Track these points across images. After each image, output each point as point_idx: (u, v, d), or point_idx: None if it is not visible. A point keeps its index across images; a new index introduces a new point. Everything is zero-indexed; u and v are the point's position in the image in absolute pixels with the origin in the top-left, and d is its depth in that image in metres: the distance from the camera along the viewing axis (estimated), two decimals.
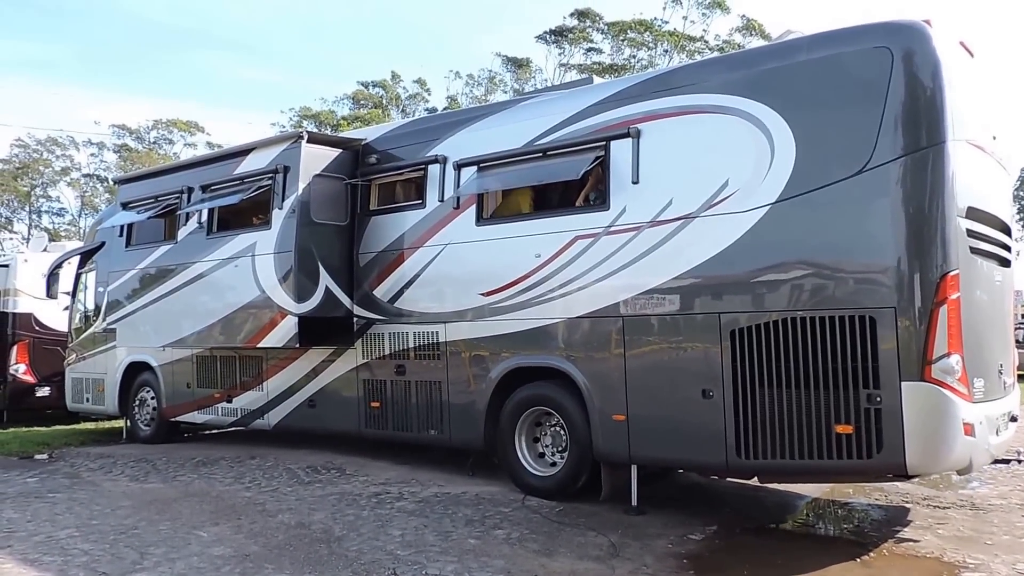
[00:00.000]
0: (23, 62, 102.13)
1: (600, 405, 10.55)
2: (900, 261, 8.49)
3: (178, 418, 16.94)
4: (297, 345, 13.46)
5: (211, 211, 15.14)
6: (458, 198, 12.24)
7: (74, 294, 19.14)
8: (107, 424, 20.44)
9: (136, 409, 17.69)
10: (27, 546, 9.18)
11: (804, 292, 8.99)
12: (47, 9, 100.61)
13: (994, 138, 9.97)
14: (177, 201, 15.82)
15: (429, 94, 66.06)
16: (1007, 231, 10.10)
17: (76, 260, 19.22)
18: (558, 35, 59.64)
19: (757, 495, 11.65)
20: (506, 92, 60.98)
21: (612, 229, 10.48)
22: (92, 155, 70.11)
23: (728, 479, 11.25)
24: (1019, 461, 10.16)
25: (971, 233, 8.87)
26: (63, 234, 61.57)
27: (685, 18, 58.16)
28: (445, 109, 56.44)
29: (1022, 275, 17.23)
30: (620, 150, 10.60)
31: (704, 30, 57.92)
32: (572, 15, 59.26)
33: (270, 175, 13.80)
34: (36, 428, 20.60)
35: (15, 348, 21.60)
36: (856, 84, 8.96)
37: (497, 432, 11.77)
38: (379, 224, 13.43)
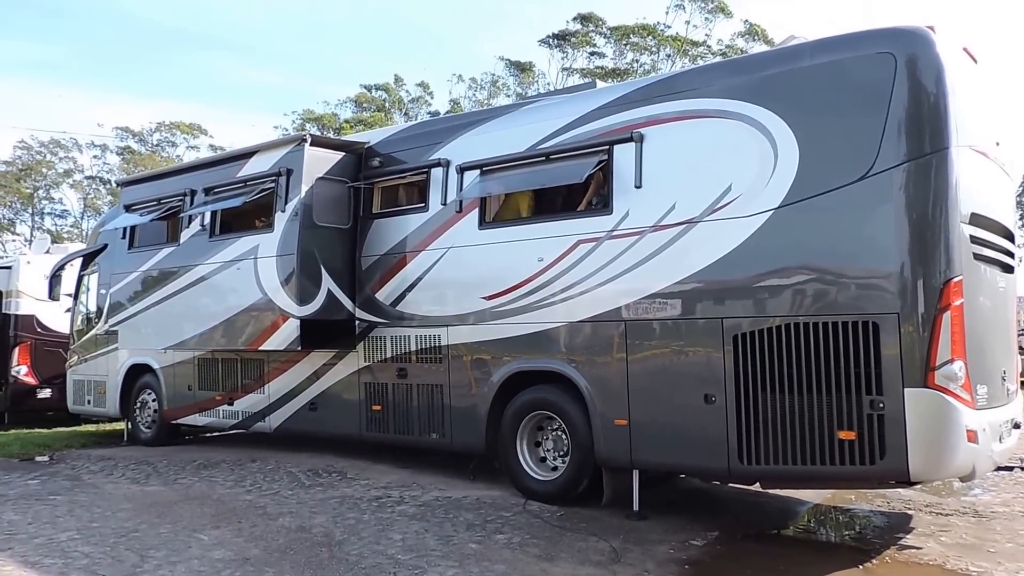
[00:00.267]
0: (26, 64, 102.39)
1: (602, 409, 10.52)
2: (903, 267, 8.47)
3: (179, 420, 16.93)
4: (299, 348, 13.45)
5: (214, 214, 15.14)
6: (461, 202, 12.23)
7: (76, 296, 19.14)
8: (108, 426, 20.42)
9: (137, 411, 17.67)
10: (28, 548, 9.17)
11: (807, 297, 8.98)
12: (50, 11, 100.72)
13: (997, 144, 9.95)
14: (180, 204, 15.83)
15: (432, 97, 66.24)
16: (1010, 237, 10.09)
17: (78, 262, 19.21)
18: (561, 39, 59.69)
19: (758, 501, 11.62)
20: (509, 96, 61.04)
21: (615, 233, 10.47)
22: (95, 157, 70.19)
23: (730, 484, 11.25)
24: (1022, 468, 10.15)
25: (974, 239, 8.85)
26: (65, 236, 61.58)
27: (688, 22, 58.25)
28: (448, 112, 56.41)
29: None
30: (623, 154, 10.59)
31: (707, 35, 58.02)
32: (575, 19, 59.37)
33: (273, 178, 13.79)
34: (37, 430, 20.58)
35: (17, 350, 21.60)
36: (859, 89, 8.94)
37: (499, 436, 11.74)
38: (381, 227, 13.42)
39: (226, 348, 15.02)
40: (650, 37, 57.18)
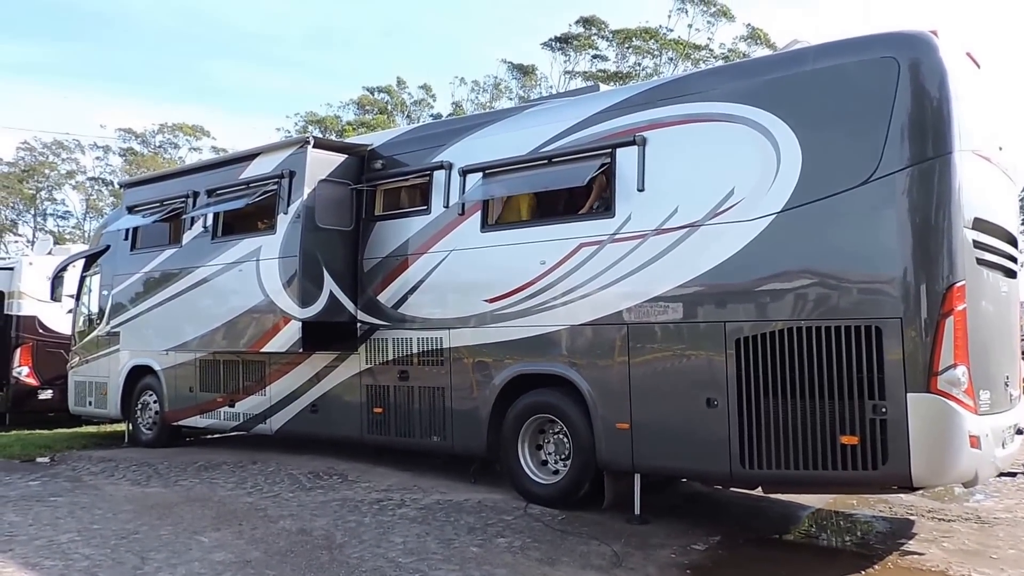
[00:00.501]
0: (28, 65, 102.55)
1: (604, 413, 10.51)
2: (906, 272, 8.46)
3: (180, 422, 16.91)
4: (301, 350, 13.45)
5: (216, 215, 15.17)
6: (463, 204, 12.22)
7: (78, 297, 19.14)
8: (109, 428, 20.36)
9: (138, 413, 17.65)
10: (28, 550, 9.15)
11: (809, 302, 8.96)
12: (52, 14, 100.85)
13: (1000, 149, 9.94)
14: (182, 205, 15.86)
15: (434, 100, 66.28)
16: (1013, 242, 10.07)
17: (80, 263, 19.21)
18: (563, 42, 59.71)
19: (760, 505, 11.62)
20: (511, 99, 61.04)
21: (617, 237, 10.46)
22: (98, 159, 70.34)
23: (731, 489, 11.23)
24: None
25: (977, 244, 8.84)
26: (67, 237, 61.72)
27: (690, 26, 58.30)
28: (450, 115, 56.46)
29: None
30: (626, 158, 10.59)
31: (709, 38, 58.11)
32: (577, 22, 59.39)
33: (275, 180, 13.78)
34: (38, 431, 20.53)
35: (18, 351, 21.59)
36: (862, 94, 8.95)
37: (500, 439, 11.73)
38: (384, 230, 13.42)
39: (228, 350, 15.02)
40: (652, 41, 57.19)
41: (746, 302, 9.38)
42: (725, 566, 8.97)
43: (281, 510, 10.99)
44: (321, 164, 13.51)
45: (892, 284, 8.50)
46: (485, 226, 12.05)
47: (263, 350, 13.94)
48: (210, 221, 15.28)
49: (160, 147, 69.70)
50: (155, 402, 17.23)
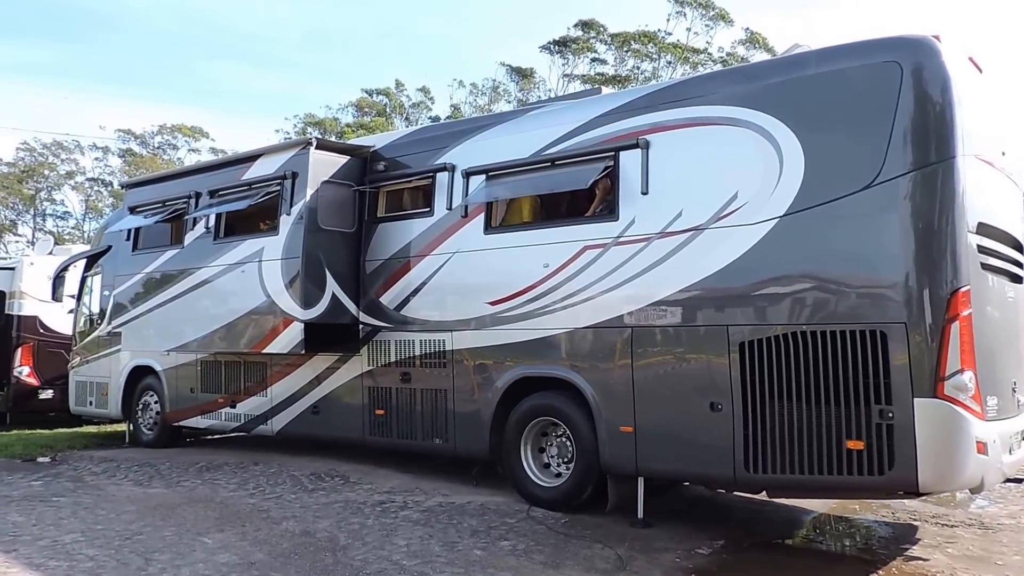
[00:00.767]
0: (28, 66, 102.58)
1: (607, 416, 10.49)
2: (910, 276, 8.44)
3: (181, 423, 16.90)
4: (303, 351, 13.46)
5: (218, 216, 15.19)
6: (466, 207, 12.22)
7: (79, 297, 19.14)
8: (109, 428, 20.37)
9: (139, 413, 17.64)
10: (32, 550, 9.14)
11: (814, 306, 8.94)
12: (51, 14, 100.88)
13: (1003, 154, 9.92)
14: (185, 206, 15.86)
15: (433, 103, 66.09)
16: (1018, 247, 10.05)
17: (81, 263, 19.20)
18: (562, 45, 59.63)
19: (762, 509, 11.61)
20: (510, 102, 60.99)
21: (621, 240, 10.46)
22: (97, 159, 70.11)
23: (734, 493, 11.22)
24: None
25: (982, 249, 8.82)
26: (67, 238, 61.62)
27: (689, 30, 58.17)
28: (448, 118, 56.44)
29: None
30: (629, 161, 10.59)
31: (708, 42, 57.91)
32: (576, 26, 59.33)
33: (278, 181, 13.80)
34: (39, 430, 20.56)
35: (19, 350, 21.62)
36: (865, 98, 8.95)
37: (503, 442, 11.71)
38: (386, 231, 13.43)
39: (229, 351, 15.01)
40: (651, 44, 57.15)
41: (750, 306, 9.38)
42: (730, 570, 8.95)
43: (284, 511, 10.97)
44: (324, 165, 13.51)
45: (896, 289, 8.48)
46: (488, 228, 12.03)
47: (265, 351, 13.94)
48: (212, 222, 15.30)
49: (159, 148, 69.57)
50: (156, 402, 17.23)
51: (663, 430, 10.04)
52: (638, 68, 57.47)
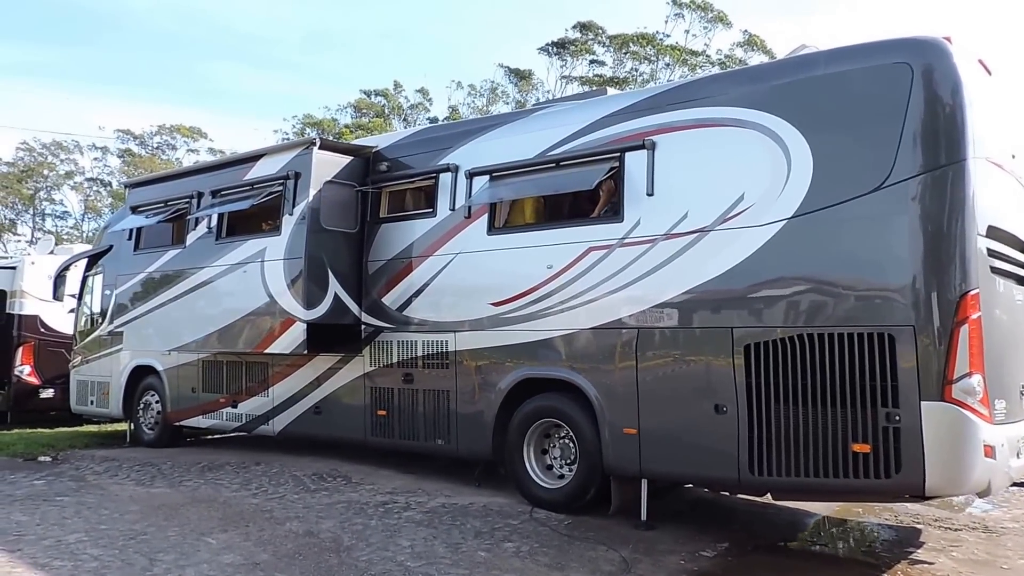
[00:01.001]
0: (26, 66, 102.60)
1: (611, 418, 10.47)
2: (920, 279, 8.39)
3: (182, 422, 16.88)
4: (305, 352, 13.46)
5: (220, 216, 15.19)
6: (469, 207, 12.21)
7: (80, 297, 19.14)
8: (110, 427, 20.36)
9: (140, 413, 17.62)
10: (36, 550, 9.13)
11: (821, 308, 8.91)
12: (51, 14, 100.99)
13: (1013, 157, 9.90)
14: (187, 206, 15.87)
15: (431, 104, 66.08)
16: None
17: (83, 263, 19.19)
18: (560, 47, 59.61)
19: (765, 512, 11.59)
20: (508, 103, 61.01)
21: (626, 241, 10.44)
22: (96, 159, 70.21)
23: (736, 495, 11.21)
24: None
25: (991, 252, 8.77)
26: (65, 237, 61.64)
27: (687, 32, 58.19)
28: (446, 119, 56.45)
29: None
30: (635, 162, 10.57)
31: (706, 44, 57.93)
32: (574, 27, 59.30)
33: (281, 181, 13.81)
34: (40, 429, 20.58)
35: (20, 349, 21.65)
36: (875, 99, 8.91)
37: (505, 443, 11.70)
38: (389, 232, 13.42)
39: (231, 351, 15.01)
40: (649, 46, 57.13)
41: (756, 308, 9.36)
42: (735, 573, 8.95)
43: (287, 512, 10.96)
44: (327, 166, 13.51)
45: (905, 291, 8.43)
46: (491, 229, 12.02)
47: (267, 352, 13.93)
48: (214, 222, 15.31)
49: (158, 148, 69.60)
50: (157, 402, 17.20)
51: (667, 432, 10.01)
52: (636, 70, 57.48)
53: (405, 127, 57.02)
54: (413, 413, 12.88)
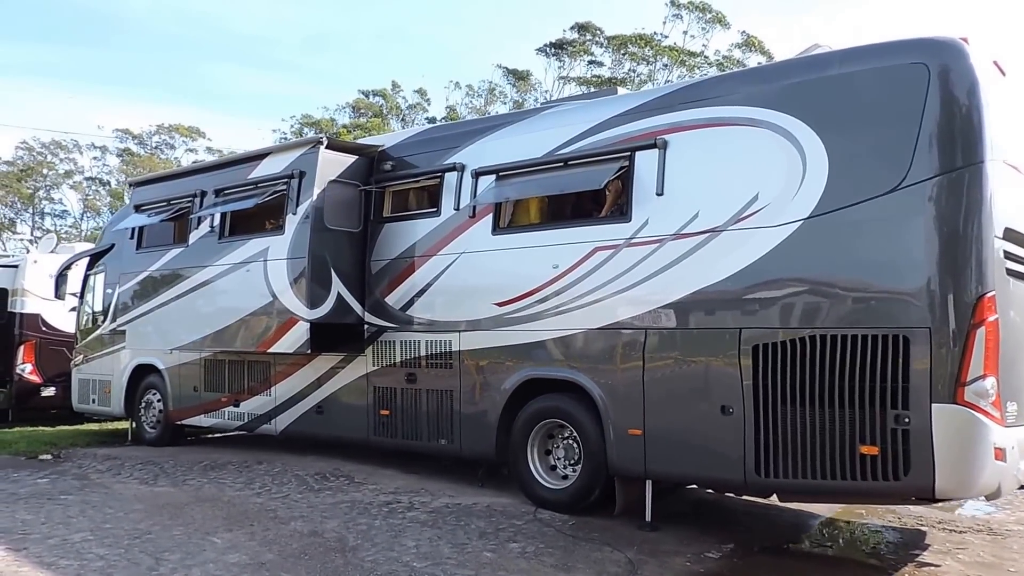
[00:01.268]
0: (25, 66, 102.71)
1: (616, 419, 10.45)
2: (936, 281, 8.32)
3: (184, 421, 16.87)
4: (308, 351, 13.44)
5: (224, 215, 15.16)
6: (474, 207, 12.17)
7: (82, 295, 19.12)
8: (111, 425, 20.37)
9: (142, 411, 17.59)
10: (42, 548, 9.10)
11: (834, 309, 8.86)
12: (52, 14, 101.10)
13: None
14: (190, 204, 15.84)
15: (429, 104, 66.20)
16: None
17: (84, 261, 19.18)
18: (558, 48, 59.63)
19: (768, 513, 11.57)
20: (506, 104, 61.12)
21: (634, 241, 10.40)
22: (95, 159, 70.40)
23: (742, 496, 11.19)
24: None
25: (1008, 255, 8.69)
26: (64, 237, 61.61)
27: (685, 32, 58.21)
28: (444, 119, 56.48)
29: None
30: (644, 161, 10.51)
31: (704, 45, 58.02)
32: (572, 28, 59.35)
33: (285, 180, 13.79)
34: (41, 428, 20.59)
35: (22, 348, 21.70)
36: (891, 100, 8.85)
37: (509, 443, 11.67)
38: (392, 231, 13.40)
39: (234, 350, 15.00)
40: (647, 47, 57.14)
41: (767, 309, 9.31)
42: (740, 574, 8.93)
43: (291, 511, 10.93)
44: (331, 165, 13.50)
45: (920, 293, 8.37)
46: (496, 229, 11.99)
47: (271, 351, 13.91)
48: (217, 221, 15.27)
49: (156, 148, 69.70)
50: (159, 401, 17.18)
51: (673, 433, 9.99)
52: (634, 71, 57.51)
53: (403, 127, 57.08)
54: (416, 413, 12.86)
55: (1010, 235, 8.76)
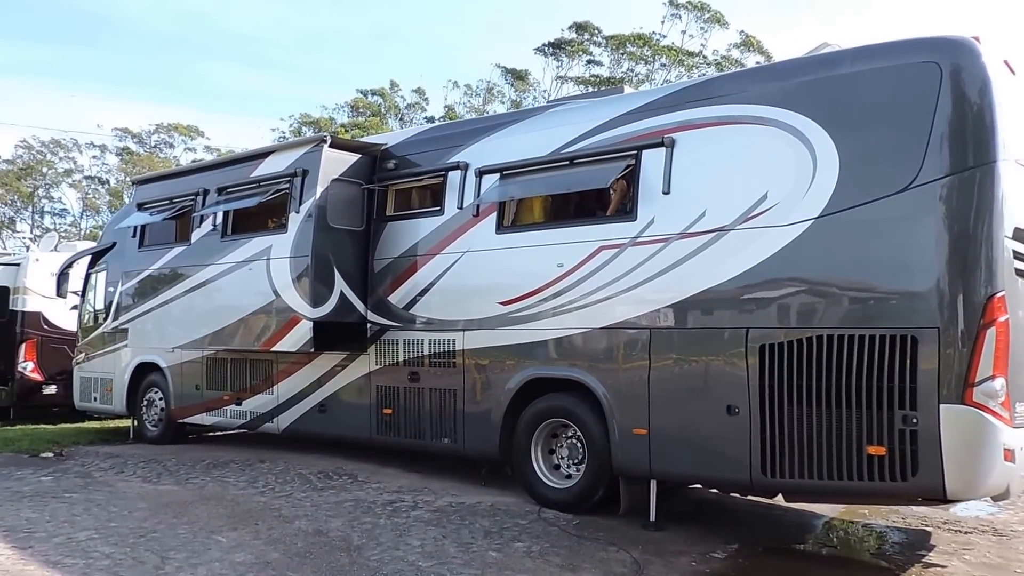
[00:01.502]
0: (25, 65, 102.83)
1: (620, 418, 10.43)
2: (946, 281, 8.29)
3: (186, 419, 16.87)
4: (311, 350, 13.41)
5: (226, 213, 15.13)
6: (478, 205, 12.15)
7: (83, 294, 19.11)
8: (112, 423, 20.36)
9: (144, 409, 17.60)
10: (48, 547, 9.08)
11: (843, 309, 8.84)
12: (51, 14, 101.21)
13: None
14: (192, 203, 15.82)
15: (427, 103, 66.24)
16: None
17: (86, 260, 19.18)
18: (556, 47, 59.62)
19: (770, 513, 11.57)
20: (504, 103, 61.13)
21: (639, 240, 10.37)
22: (94, 157, 70.37)
23: (745, 496, 11.17)
24: None
25: (1017, 255, 8.63)
26: (64, 235, 61.65)
27: (684, 32, 58.17)
28: (442, 118, 56.50)
29: None
30: (651, 160, 10.47)
31: (702, 45, 57.99)
32: (570, 28, 59.34)
33: (288, 178, 13.76)
34: (42, 425, 20.51)
35: (23, 346, 21.69)
36: (903, 99, 8.80)
37: (512, 443, 11.66)
38: (395, 230, 13.38)
39: (236, 348, 14.98)
40: (646, 47, 57.11)
41: (775, 308, 9.28)
42: (746, 574, 8.93)
43: (295, 510, 10.92)
44: (335, 163, 13.48)
45: (930, 293, 8.34)
46: (500, 228, 11.97)
47: (274, 349, 13.90)
48: (220, 219, 15.24)
49: (155, 147, 69.72)
50: (161, 399, 17.17)
51: (678, 433, 9.96)
52: (632, 71, 57.47)
53: (401, 127, 57.12)
54: (419, 412, 12.84)
55: (1020, 235, 8.71)
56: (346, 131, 55.06)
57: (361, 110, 63.92)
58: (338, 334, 13.46)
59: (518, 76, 61.89)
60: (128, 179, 62.28)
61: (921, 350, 8.27)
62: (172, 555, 8.82)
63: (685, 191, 10.16)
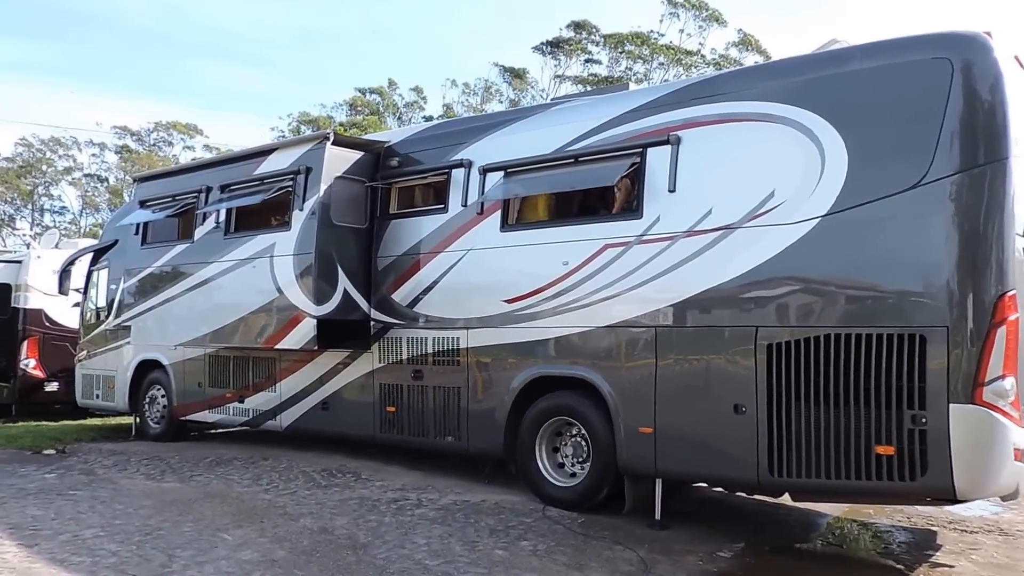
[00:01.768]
0: (26, 64, 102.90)
1: (626, 417, 10.40)
2: (956, 279, 8.24)
3: (188, 417, 16.85)
4: (315, 347, 13.39)
5: (229, 211, 15.12)
6: (482, 203, 12.12)
7: (85, 291, 19.11)
8: (114, 420, 20.37)
9: (146, 407, 17.59)
10: (54, 545, 9.06)
11: (852, 308, 8.80)
12: (49, 13, 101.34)
13: None
14: (195, 200, 15.80)
15: (425, 102, 66.32)
16: None
17: (88, 257, 19.17)
18: (554, 46, 59.63)
19: (776, 512, 11.55)
20: (502, 102, 61.17)
21: (645, 238, 10.33)
22: (93, 155, 70.73)
23: (751, 495, 11.15)
24: None
25: None
26: (64, 232, 61.73)
27: (682, 31, 58.19)
28: (441, 117, 56.49)
29: None
30: (657, 157, 10.43)
31: (700, 43, 58.04)
32: (568, 26, 59.36)
33: (291, 176, 13.74)
34: (44, 422, 20.50)
35: (25, 343, 21.79)
36: (913, 95, 8.75)
37: (517, 441, 11.64)
38: (399, 228, 13.36)
39: (239, 346, 14.97)
40: (644, 46, 57.12)
41: (782, 307, 9.23)
42: (754, 574, 8.92)
43: (300, 508, 10.90)
44: (338, 161, 13.46)
45: (940, 292, 8.29)
46: (504, 226, 11.96)
47: (277, 347, 13.88)
48: (223, 217, 15.22)
49: (155, 145, 69.84)
50: (163, 396, 17.17)
51: (684, 431, 9.93)
52: (630, 69, 57.47)
53: (399, 125, 57.16)
54: (423, 410, 12.81)
55: None
56: (345, 129, 55.10)
57: (359, 109, 64.05)
58: (341, 332, 13.44)
59: (516, 75, 61.97)
60: (127, 177, 62.38)
61: (930, 349, 8.22)
62: (178, 553, 8.81)
63: (691, 189, 10.12)
